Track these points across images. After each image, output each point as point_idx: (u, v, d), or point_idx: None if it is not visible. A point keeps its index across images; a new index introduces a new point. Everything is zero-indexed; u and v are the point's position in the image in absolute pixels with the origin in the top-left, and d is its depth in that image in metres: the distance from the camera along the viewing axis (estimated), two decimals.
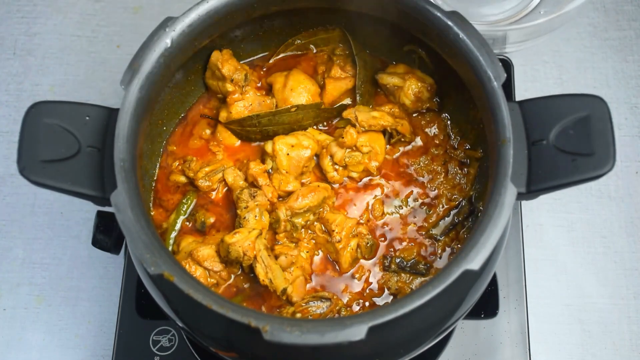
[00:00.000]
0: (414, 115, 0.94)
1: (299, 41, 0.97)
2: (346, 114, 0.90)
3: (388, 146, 0.92)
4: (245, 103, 0.91)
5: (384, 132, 0.91)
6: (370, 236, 0.87)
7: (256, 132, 0.91)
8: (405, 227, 0.89)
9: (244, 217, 0.85)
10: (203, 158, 0.92)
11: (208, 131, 0.94)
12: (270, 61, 0.98)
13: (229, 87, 0.91)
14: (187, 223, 0.90)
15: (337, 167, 0.90)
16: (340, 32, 0.96)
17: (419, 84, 0.92)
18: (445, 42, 0.81)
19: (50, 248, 1.14)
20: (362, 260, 0.87)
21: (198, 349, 0.97)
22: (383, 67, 0.97)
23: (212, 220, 0.89)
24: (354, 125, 0.88)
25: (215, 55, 0.91)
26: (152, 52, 0.79)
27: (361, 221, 0.89)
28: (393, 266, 0.87)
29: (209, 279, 0.84)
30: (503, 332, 0.99)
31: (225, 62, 0.90)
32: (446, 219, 0.89)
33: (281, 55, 0.98)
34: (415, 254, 0.87)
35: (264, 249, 0.84)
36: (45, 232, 1.15)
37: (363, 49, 0.96)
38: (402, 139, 0.92)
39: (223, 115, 0.92)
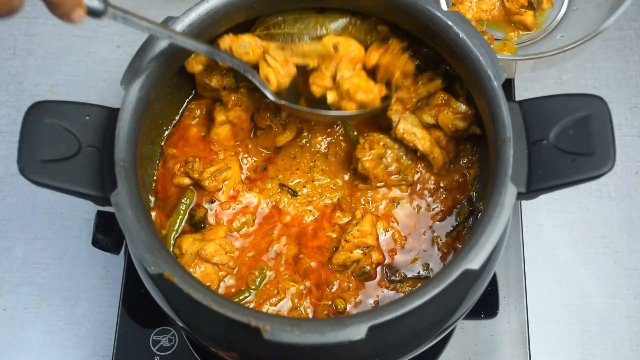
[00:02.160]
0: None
1: None
2: (391, 113, 0.87)
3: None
4: (242, 103, 0.91)
5: (414, 151, 0.88)
6: (373, 267, 0.86)
7: (280, 34, 0.89)
8: (408, 231, 0.89)
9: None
10: (204, 159, 0.91)
11: (203, 133, 0.94)
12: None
13: (224, 94, 0.91)
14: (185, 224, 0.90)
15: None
16: None
17: (452, 117, 0.87)
18: (445, 42, 0.81)
19: (50, 248, 1.14)
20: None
21: (198, 349, 0.97)
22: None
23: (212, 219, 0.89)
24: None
25: (200, 73, 0.90)
26: (152, 52, 0.79)
27: (380, 242, 0.88)
28: (399, 277, 0.86)
29: (219, 273, 0.85)
30: (503, 332, 0.99)
31: (211, 76, 0.90)
32: (447, 219, 0.89)
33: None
34: (417, 260, 0.87)
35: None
36: (45, 232, 1.15)
37: None
38: (429, 167, 0.90)
39: (221, 117, 0.91)
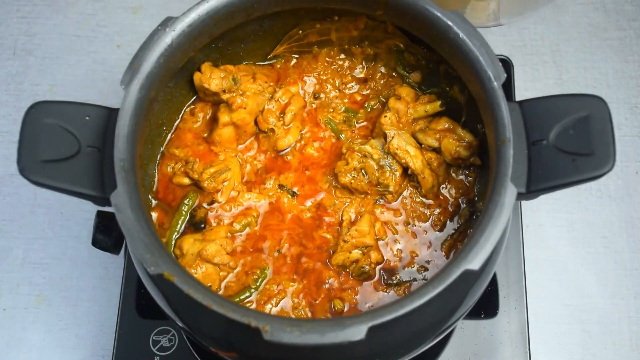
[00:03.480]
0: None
1: (301, 31, 0.96)
2: (386, 127, 0.87)
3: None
4: (247, 106, 0.91)
5: (405, 169, 0.88)
6: (372, 266, 0.86)
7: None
8: (408, 237, 0.89)
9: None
10: (205, 159, 0.91)
11: (205, 134, 0.94)
12: (271, 57, 0.98)
13: (225, 96, 0.90)
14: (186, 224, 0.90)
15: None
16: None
17: (456, 144, 0.87)
18: (445, 42, 0.81)
19: (50, 248, 1.14)
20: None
21: (198, 349, 0.97)
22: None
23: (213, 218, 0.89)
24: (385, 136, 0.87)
25: (198, 77, 0.90)
26: (152, 52, 0.79)
27: (379, 242, 0.88)
28: (395, 280, 0.86)
29: (220, 273, 0.85)
30: (503, 332, 0.99)
31: (209, 80, 0.89)
32: (448, 222, 0.89)
33: (285, 46, 0.97)
34: (415, 263, 0.87)
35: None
36: (45, 232, 1.15)
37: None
38: (417, 187, 0.90)
39: (225, 118, 0.91)
